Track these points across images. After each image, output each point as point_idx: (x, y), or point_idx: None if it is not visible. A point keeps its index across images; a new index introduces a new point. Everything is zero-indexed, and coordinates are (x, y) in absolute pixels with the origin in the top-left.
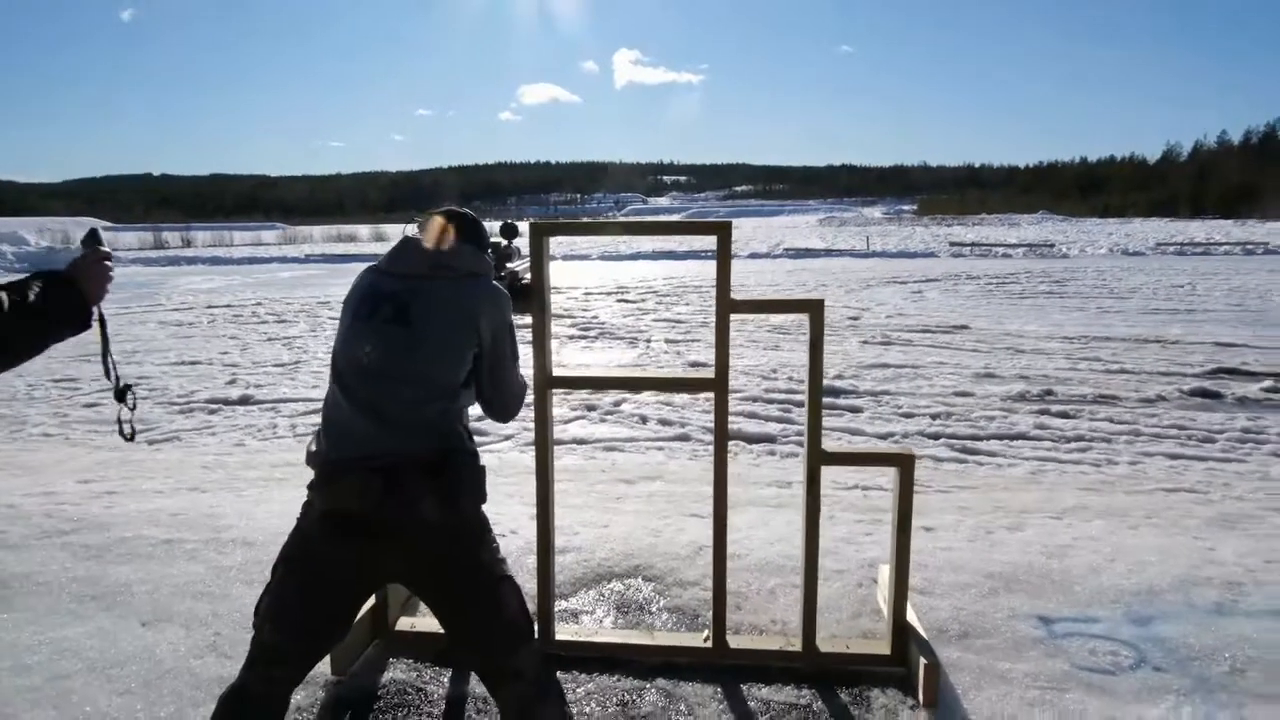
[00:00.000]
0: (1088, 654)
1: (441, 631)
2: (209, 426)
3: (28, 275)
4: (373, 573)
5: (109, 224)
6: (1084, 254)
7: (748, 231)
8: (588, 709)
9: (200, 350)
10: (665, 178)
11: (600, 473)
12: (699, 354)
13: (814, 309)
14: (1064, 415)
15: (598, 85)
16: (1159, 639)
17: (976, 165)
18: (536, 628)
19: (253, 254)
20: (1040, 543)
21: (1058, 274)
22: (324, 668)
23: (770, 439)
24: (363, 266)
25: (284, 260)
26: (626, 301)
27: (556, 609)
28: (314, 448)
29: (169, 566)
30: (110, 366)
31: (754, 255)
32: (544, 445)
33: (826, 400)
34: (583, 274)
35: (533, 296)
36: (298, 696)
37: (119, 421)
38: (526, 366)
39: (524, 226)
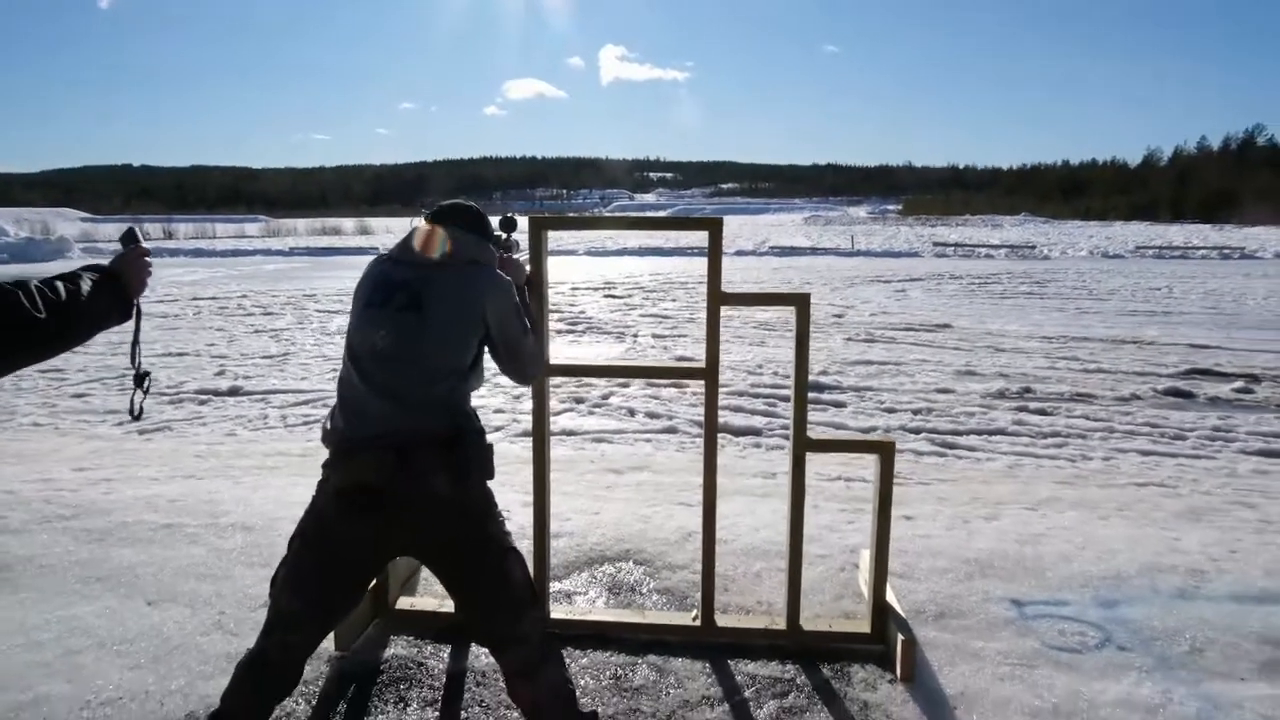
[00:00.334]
0: (1057, 634)
1: (441, 610)
2: (199, 417)
3: (79, 269)
4: (385, 545)
5: (87, 215)
6: (1065, 256)
7: (734, 229)
8: (582, 682)
9: (187, 342)
10: (652, 174)
11: (590, 463)
12: (685, 349)
13: (800, 303)
14: (1041, 412)
15: (584, 81)
16: (1124, 621)
17: (961, 166)
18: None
19: (236, 246)
20: (1015, 531)
21: (1039, 275)
22: (328, 644)
23: (756, 431)
24: (347, 259)
25: (268, 253)
26: (613, 297)
27: (550, 590)
28: (329, 426)
29: (170, 550)
30: (136, 354)
31: (740, 253)
32: (540, 429)
33: (811, 395)
34: (569, 269)
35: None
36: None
37: (132, 401)
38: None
39: (523, 221)
